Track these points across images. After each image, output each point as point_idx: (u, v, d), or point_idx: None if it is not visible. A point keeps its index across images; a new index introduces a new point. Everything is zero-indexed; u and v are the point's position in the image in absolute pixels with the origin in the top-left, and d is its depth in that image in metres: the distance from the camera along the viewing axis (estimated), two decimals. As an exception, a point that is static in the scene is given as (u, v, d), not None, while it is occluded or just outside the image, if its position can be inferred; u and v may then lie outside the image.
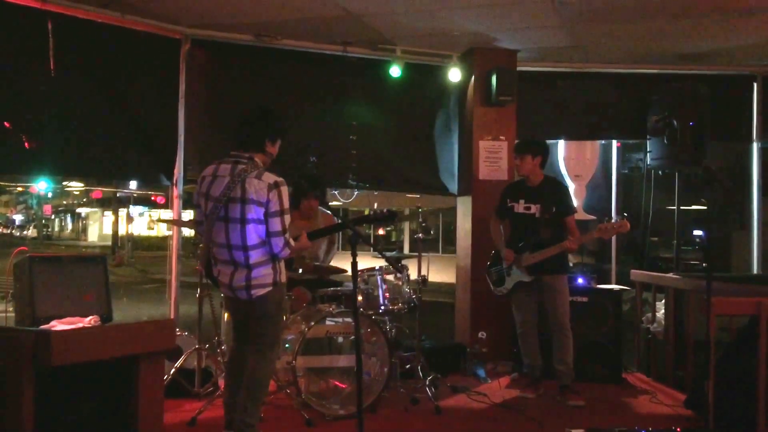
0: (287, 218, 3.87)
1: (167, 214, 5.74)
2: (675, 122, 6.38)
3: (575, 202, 7.04)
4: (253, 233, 3.83)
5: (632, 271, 6.53)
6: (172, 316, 5.90)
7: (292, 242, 3.94)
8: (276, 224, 3.82)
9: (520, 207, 5.52)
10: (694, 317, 5.47)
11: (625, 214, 5.28)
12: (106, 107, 5.72)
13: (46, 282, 3.95)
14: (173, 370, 5.07)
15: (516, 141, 6.49)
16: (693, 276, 5.77)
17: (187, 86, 6.11)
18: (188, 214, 6.87)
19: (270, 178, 3.85)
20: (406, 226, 25.92)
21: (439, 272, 12.84)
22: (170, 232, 6.38)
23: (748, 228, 7.40)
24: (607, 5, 5.49)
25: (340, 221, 5.72)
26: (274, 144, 4.05)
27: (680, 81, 6.84)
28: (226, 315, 5.26)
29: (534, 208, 5.45)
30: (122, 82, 5.80)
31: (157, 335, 2.76)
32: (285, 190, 3.88)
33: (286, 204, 3.87)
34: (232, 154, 3.97)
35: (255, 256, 3.86)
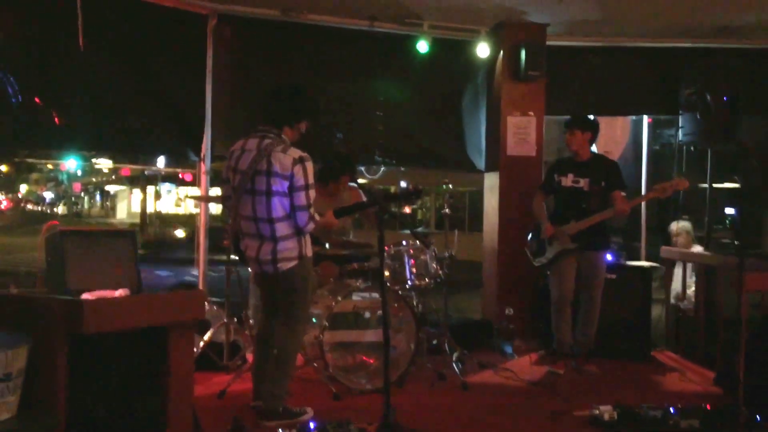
0: (312, 193, 3.92)
1: (194, 191, 5.81)
2: (708, 97, 6.26)
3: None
4: (279, 205, 3.87)
5: (662, 247, 6.46)
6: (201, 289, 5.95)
7: (317, 216, 3.97)
8: (301, 198, 3.87)
9: (568, 181, 5.57)
10: (725, 294, 5.41)
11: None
12: (134, 83, 5.77)
13: (76, 255, 3.99)
14: (202, 343, 5.14)
15: (548, 117, 6.49)
16: (724, 253, 5.70)
17: (214, 62, 6.13)
18: (216, 191, 6.92)
19: (295, 152, 3.89)
20: (432, 204, 25.87)
21: (466, 250, 12.82)
22: (197, 210, 6.43)
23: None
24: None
25: (367, 197, 5.72)
26: (302, 122, 4.08)
27: (714, 55, 6.70)
28: (252, 289, 5.32)
29: (583, 182, 5.52)
30: (150, 58, 5.84)
31: (187, 305, 2.80)
32: (310, 165, 3.92)
33: (311, 179, 3.92)
34: (260, 129, 4.01)
35: (280, 228, 3.90)
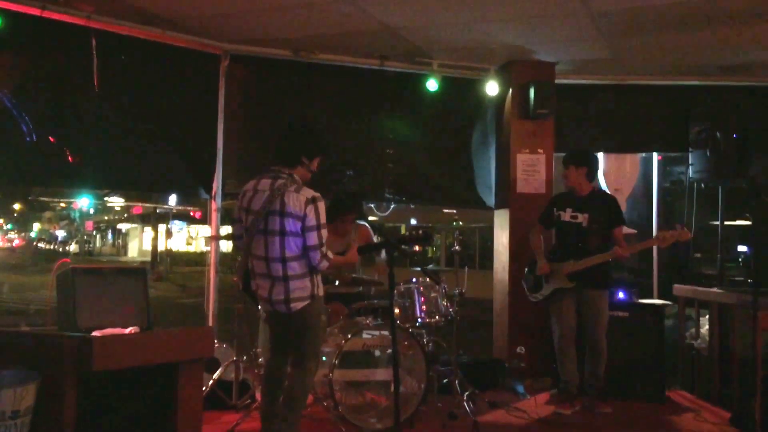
0: (324, 232, 3.95)
1: (205, 229, 5.83)
2: (718, 134, 6.27)
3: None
4: (293, 245, 3.90)
5: (675, 285, 6.41)
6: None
7: (330, 255, 3.98)
8: (313, 238, 3.90)
9: (566, 215, 5.51)
10: (740, 333, 5.34)
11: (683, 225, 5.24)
12: (147, 122, 5.83)
13: (87, 293, 4.01)
14: (211, 381, 5.10)
15: (557, 154, 6.48)
16: (737, 290, 5.64)
17: (226, 101, 6.21)
18: (226, 228, 6.94)
19: (308, 192, 3.93)
20: (443, 242, 25.84)
21: (477, 288, 12.75)
22: (208, 248, 6.45)
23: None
24: (646, 16, 5.43)
25: (378, 237, 5.74)
26: (313, 160, 4.11)
27: (723, 93, 6.72)
28: (262, 328, 5.30)
29: (581, 218, 5.45)
30: (163, 97, 5.91)
31: (196, 343, 2.79)
32: (322, 205, 3.95)
33: (323, 219, 3.95)
34: (273, 169, 4.05)
35: (292, 268, 3.91)
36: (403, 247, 4.07)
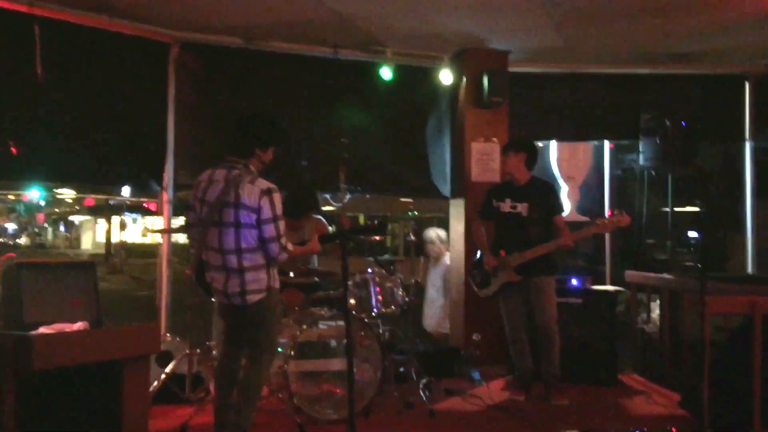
0: (282, 224, 3.92)
1: (160, 220, 5.72)
2: (667, 122, 6.38)
3: (568, 204, 7.06)
4: (248, 237, 3.86)
5: (627, 272, 6.52)
6: (163, 322, 5.87)
7: (290, 246, 3.96)
8: (270, 230, 3.87)
9: (506, 206, 5.48)
10: (689, 317, 5.46)
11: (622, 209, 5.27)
12: (94, 112, 5.70)
13: (34, 288, 3.91)
14: (163, 375, 5.04)
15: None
16: (687, 276, 5.76)
17: (177, 90, 6.10)
18: (179, 221, 6.84)
19: (263, 184, 3.89)
20: (401, 232, 25.87)
21: (434, 276, 12.82)
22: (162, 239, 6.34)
23: (742, 229, 7.40)
24: (597, 5, 5.49)
25: (333, 229, 5.73)
26: (268, 150, 4.08)
27: (672, 81, 6.84)
28: (216, 320, 5.25)
29: (521, 207, 5.42)
30: (111, 87, 5.78)
31: (142, 339, 2.73)
32: (278, 197, 3.92)
33: (279, 210, 3.91)
34: (228, 159, 4.00)
35: (247, 260, 3.88)
36: (361, 237, 4.08)
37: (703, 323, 4.17)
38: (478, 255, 5.75)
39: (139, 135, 5.97)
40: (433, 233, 7.17)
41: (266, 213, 3.85)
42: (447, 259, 6.98)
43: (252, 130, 4.07)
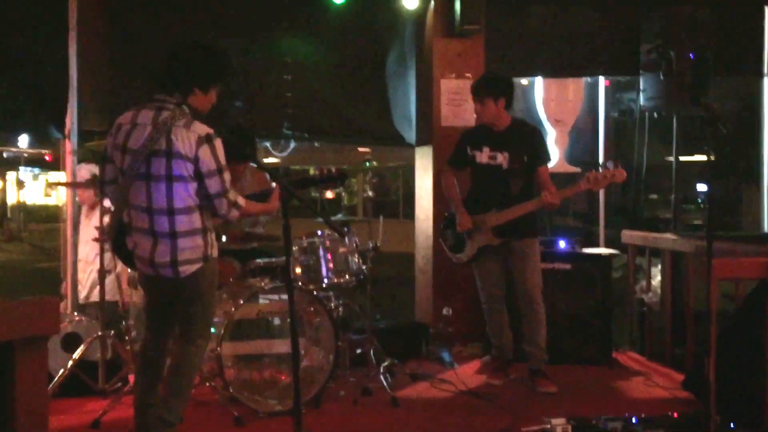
0: (227, 176, 3.88)
1: (64, 176, 5.60)
2: (672, 54, 6.41)
3: (556, 152, 7.10)
4: (183, 193, 3.80)
5: (623, 231, 6.61)
6: (69, 298, 5.81)
7: (241, 200, 3.94)
8: (216, 184, 3.82)
9: (483, 156, 5.48)
10: (695, 284, 5.57)
11: (617, 161, 5.30)
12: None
13: None
14: (71, 362, 5.01)
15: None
16: (693, 236, 5.86)
17: (80, 15, 5.93)
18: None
19: (201, 129, 3.82)
20: (360, 187, 25.89)
21: (398, 241, 12.88)
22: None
23: (758, 182, 7.53)
24: None
25: (273, 182, 5.66)
26: (209, 91, 4.01)
27: (678, 6, 6.86)
28: (135, 294, 5.21)
29: (501, 158, 5.42)
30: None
31: (38, 317, 2.68)
32: (220, 144, 3.86)
33: (222, 160, 3.86)
34: (156, 98, 3.91)
35: (181, 223, 3.82)
36: (304, 191, 4.02)
37: (710, 291, 4.25)
38: (445, 217, 5.77)
39: (34, 71, 5.86)
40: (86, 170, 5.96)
41: (208, 164, 3.78)
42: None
43: (193, 63, 3.96)
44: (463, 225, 5.49)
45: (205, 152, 3.77)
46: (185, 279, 3.88)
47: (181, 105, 3.89)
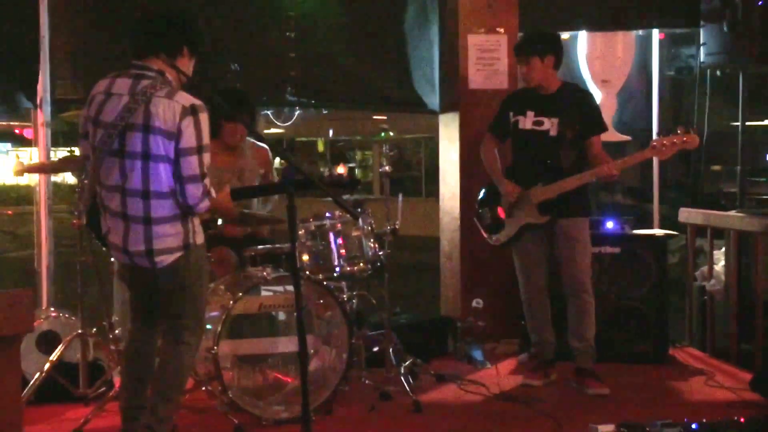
0: (207, 157, 3.88)
1: (36, 152, 5.66)
2: (738, 1, 6.37)
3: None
4: (161, 174, 3.81)
5: (682, 209, 6.60)
6: (44, 292, 5.87)
7: (213, 192, 3.94)
8: (191, 165, 3.82)
9: (527, 122, 5.50)
10: (765, 269, 5.56)
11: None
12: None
13: None
14: (48, 364, 5.05)
15: (518, 36, 6.48)
16: (763, 214, 5.84)
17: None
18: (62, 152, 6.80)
19: (185, 99, 3.83)
20: (376, 160, 25.89)
21: (422, 222, 12.91)
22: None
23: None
24: None
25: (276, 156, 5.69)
26: (190, 57, 4.04)
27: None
28: (117, 287, 5.26)
29: (548, 124, 5.44)
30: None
31: (9, 313, 2.73)
32: (205, 119, 3.87)
33: (206, 138, 3.87)
34: (135, 65, 3.93)
35: (158, 207, 3.84)
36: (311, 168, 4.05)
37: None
38: (483, 192, 5.78)
39: (1, 35, 5.86)
40: None
41: (188, 139, 3.79)
42: None
43: (173, 23, 4.01)
44: (510, 193, 5.47)
45: (188, 125, 3.78)
46: (163, 270, 3.90)
47: (163, 73, 3.91)
